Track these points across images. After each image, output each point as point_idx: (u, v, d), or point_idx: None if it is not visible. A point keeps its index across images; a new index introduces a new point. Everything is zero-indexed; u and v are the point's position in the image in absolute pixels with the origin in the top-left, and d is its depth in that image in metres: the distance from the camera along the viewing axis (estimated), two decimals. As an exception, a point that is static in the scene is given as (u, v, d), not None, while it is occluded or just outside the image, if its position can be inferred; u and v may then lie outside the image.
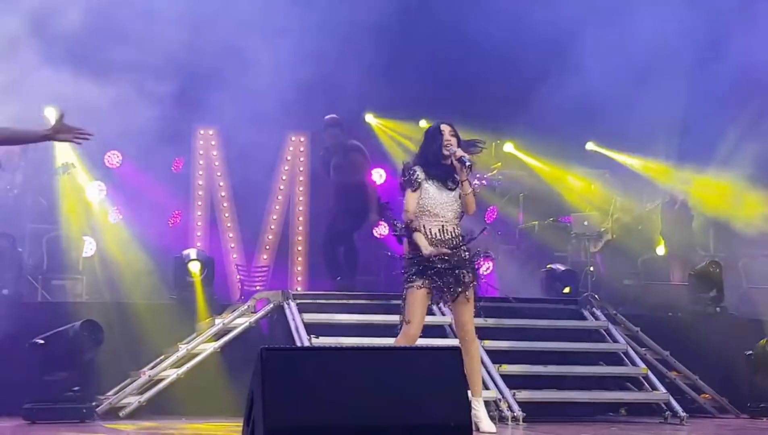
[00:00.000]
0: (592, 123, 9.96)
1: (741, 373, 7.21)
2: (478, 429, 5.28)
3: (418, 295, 5.22)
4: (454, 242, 5.31)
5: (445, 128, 5.39)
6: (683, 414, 6.43)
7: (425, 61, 10.27)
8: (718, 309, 8.11)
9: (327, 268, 8.74)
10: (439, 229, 5.29)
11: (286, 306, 6.84)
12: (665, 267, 9.50)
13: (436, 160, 5.32)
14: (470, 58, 10.01)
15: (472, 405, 5.28)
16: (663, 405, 6.58)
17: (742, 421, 6.91)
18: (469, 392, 5.27)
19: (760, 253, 9.21)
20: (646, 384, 6.77)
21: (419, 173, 5.30)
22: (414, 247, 5.30)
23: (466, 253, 5.35)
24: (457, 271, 5.26)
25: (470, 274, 5.33)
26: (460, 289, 5.25)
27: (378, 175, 9.70)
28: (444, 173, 5.31)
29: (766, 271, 9.06)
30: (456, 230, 5.34)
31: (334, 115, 8.75)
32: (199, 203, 10.05)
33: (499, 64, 9.78)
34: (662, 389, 6.67)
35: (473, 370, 5.37)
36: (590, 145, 10.70)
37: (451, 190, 5.33)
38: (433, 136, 5.39)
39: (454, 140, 5.36)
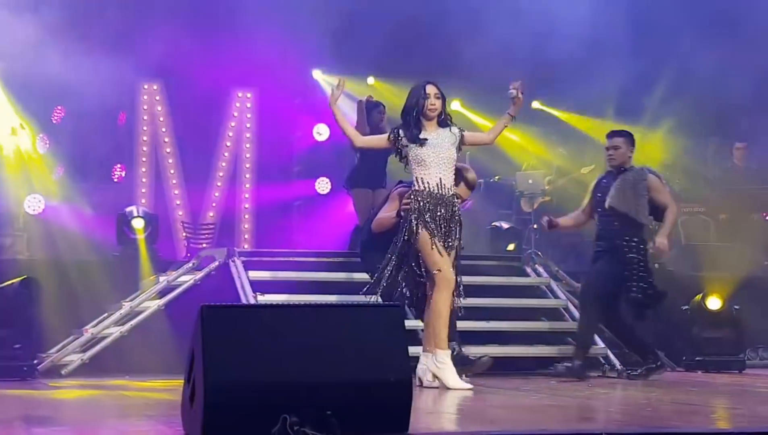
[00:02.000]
0: (539, 82, 10.06)
1: (677, 327, 7.40)
2: (446, 385, 5.36)
3: (428, 240, 5.30)
4: (450, 197, 5.43)
5: (431, 90, 5.44)
6: (620, 367, 6.61)
7: (374, 18, 10.22)
8: (656, 265, 8.28)
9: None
10: (437, 183, 5.39)
11: (231, 263, 6.83)
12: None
13: (417, 120, 5.41)
14: (417, 15, 9.99)
15: (440, 359, 5.36)
16: (601, 359, 6.74)
17: (678, 374, 7.12)
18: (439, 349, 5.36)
19: (699, 210, 9.44)
20: (585, 339, 6.91)
21: (402, 139, 5.43)
22: (410, 199, 5.37)
23: (459, 209, 5.48)
24: (451, 225, 5.39)
25: (460, 230, 5.46)
26: (450, 242, 5.37)
27: (317, 133, 9.70)
28: (423, 132, 5.41)
29: (703, 228, 9.29)
30: (451, 184, 5.45)
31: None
32: (144, 159, 9.92)
33: (444, 21, 9.79)
34: (601, 344, 6.83)
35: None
36: (536, 104, 10.83)
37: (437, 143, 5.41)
38: (416, 95, 5.44)
39: (438, 103, 5.43)
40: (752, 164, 9.87)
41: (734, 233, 8.79)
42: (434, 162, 5.39)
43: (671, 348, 7.41)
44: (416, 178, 5.43)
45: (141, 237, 7.60)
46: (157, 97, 9.90)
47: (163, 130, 9.95)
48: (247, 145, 10.18)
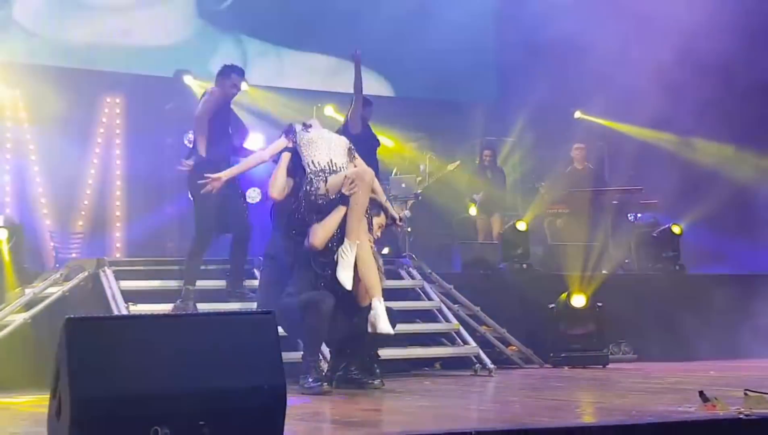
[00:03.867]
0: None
1: (544, 325, 7.68)
2: (375, 329, 5.55)
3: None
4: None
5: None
6: (491, 366, 6.82)
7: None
8: (524, 265, 8.60)
9: None
10: (327, 163, 5.79)
11: (102, 273, 6.64)
12: (477, 226, 10.05)
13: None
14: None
15: (373, 304, 5.58)
16: (473, 358, 6.93)
17: (545, 370, 7.40)
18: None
19: (562, 211, 9.84)
20: (458, 339, 7.09)
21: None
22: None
23: None
24: None
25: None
26: None
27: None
28: None
29: (568, 228, 9.69)
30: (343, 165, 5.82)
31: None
32: (7, 167, 9.54)
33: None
34: (473, 343, 7.02)
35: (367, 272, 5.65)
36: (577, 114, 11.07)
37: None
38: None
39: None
40: (590, 164, 10.36)
41: (590, 232, 9.19)
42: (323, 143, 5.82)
43: (539, 344, 7.69)
44: (307, 162, 5.76)
45: (5, 248, 7.30)
46: (21, 103, 9.55)
47: (28, 136, 9.60)
48: (118, 152, 9.97)
